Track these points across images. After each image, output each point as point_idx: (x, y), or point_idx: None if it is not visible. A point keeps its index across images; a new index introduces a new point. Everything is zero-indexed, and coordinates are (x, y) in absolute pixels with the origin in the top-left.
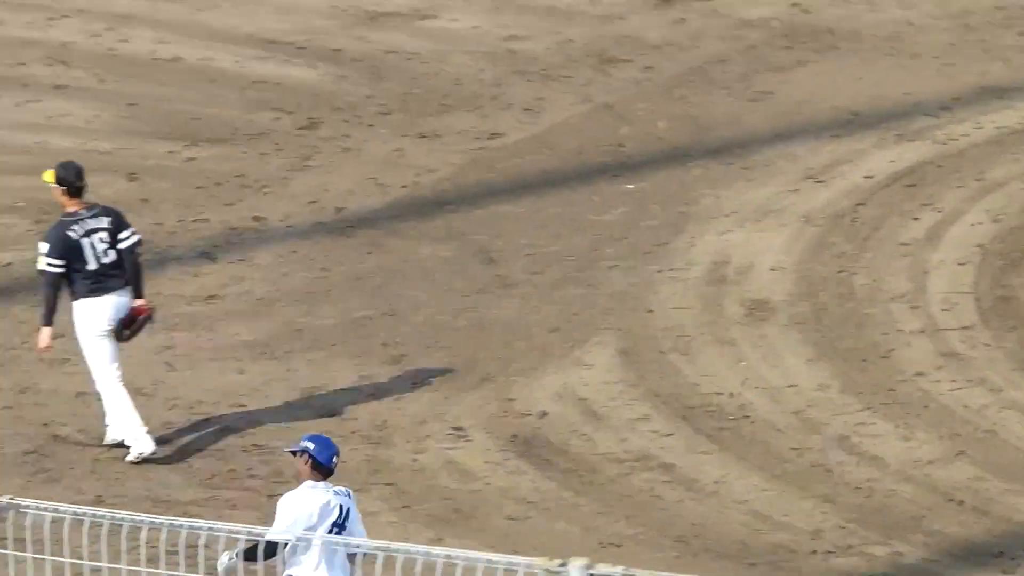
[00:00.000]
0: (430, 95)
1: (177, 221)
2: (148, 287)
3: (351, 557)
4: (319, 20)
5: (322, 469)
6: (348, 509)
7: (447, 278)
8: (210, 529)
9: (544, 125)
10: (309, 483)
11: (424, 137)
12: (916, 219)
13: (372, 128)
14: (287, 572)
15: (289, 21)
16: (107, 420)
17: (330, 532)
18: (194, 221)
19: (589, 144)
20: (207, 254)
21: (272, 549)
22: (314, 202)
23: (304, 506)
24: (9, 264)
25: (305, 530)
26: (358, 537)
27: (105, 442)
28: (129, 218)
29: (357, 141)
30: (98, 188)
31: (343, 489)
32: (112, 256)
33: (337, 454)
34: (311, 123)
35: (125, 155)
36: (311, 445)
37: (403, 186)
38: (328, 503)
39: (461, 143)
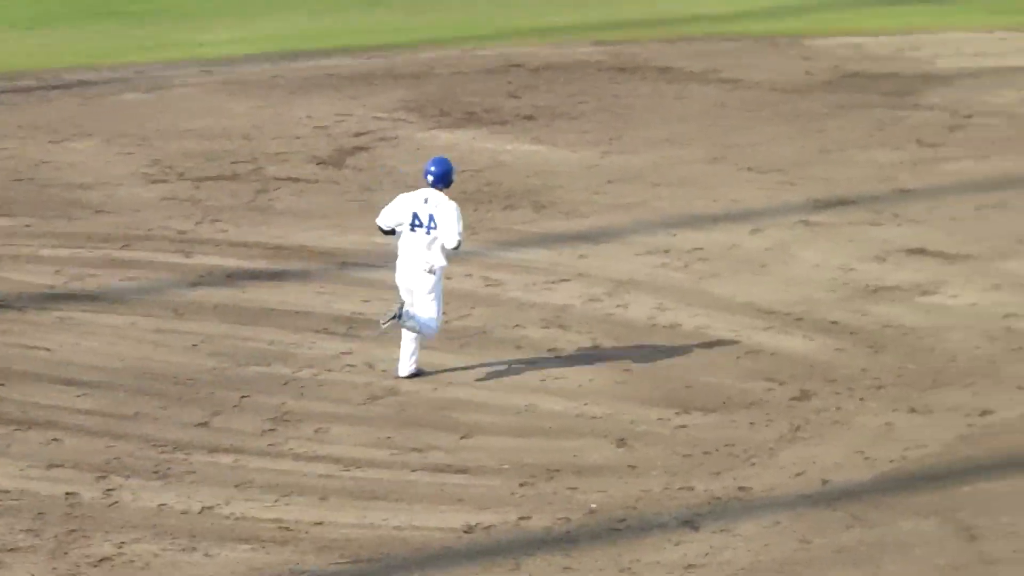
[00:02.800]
0: (924, 370)
1: (662, 489)
2: (628, 554)
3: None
4: (819, 292)
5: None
6: (429, 215)
7: (928, 554)
8: None
9: None
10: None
11: (915, 412)
12: None
13: (863, 402)
14: None
15: (789, 292)
16: None
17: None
18: (679, 489)
19: None
20: (690, 522)
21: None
22: (800, 474)
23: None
24: (490, 527)
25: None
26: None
27: None
28: (614, 483)
29: (848, 414)
30: (586, 452)
31: (427, 198)
32: None
33: (428, 168)
34: (803, 394)
35: (615, 421)
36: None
37: (891, 460)
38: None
39: (952, 419)
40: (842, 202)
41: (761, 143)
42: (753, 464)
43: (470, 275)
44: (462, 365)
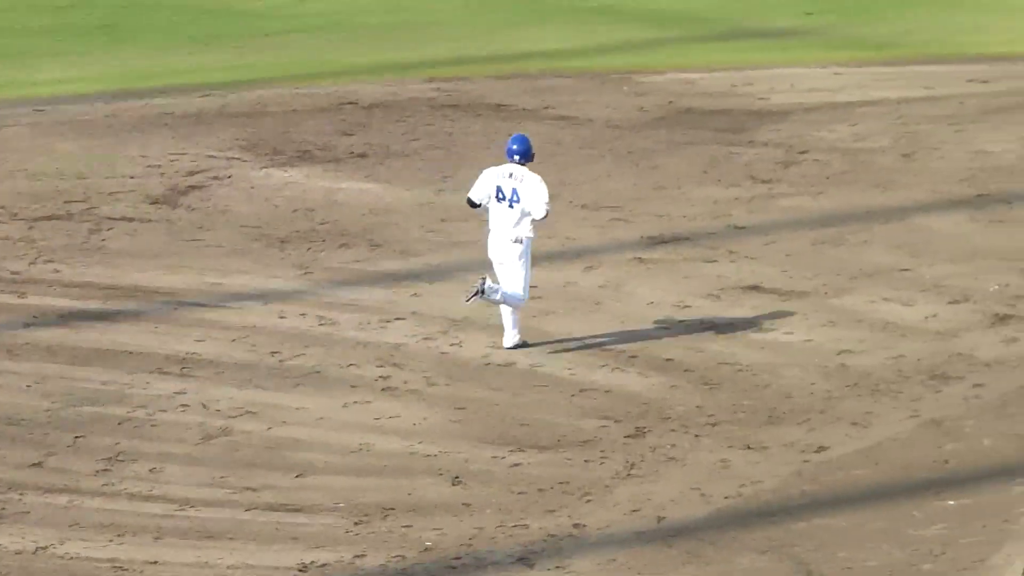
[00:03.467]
0: (760, 407)
1: (497, 527)
2: None
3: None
4: (654, 330)
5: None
6: (513, 189)
7: None
8: None
9: (871, 440)
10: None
11: (751, 449)
12: None
13: (699, 439)
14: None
15: (623, 329)
16: None
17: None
18: (514, 527)
19: (914, 459)
20: (524, 560)
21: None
22: (636, 511)
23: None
24: (325, 565)
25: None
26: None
27: None
28: (449, 522)
29: (683, 451)
30: (421, 491)
31: (512, 173)
32: None
33: (510, 146)
34: (638, 432)
35: (450, 459)
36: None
37: (726, 497)
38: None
39: (787, 455)
40: (676, 239)
41: (595, 180)
42: (588, 501)
43: (304, 314)
44: (296, 404)
